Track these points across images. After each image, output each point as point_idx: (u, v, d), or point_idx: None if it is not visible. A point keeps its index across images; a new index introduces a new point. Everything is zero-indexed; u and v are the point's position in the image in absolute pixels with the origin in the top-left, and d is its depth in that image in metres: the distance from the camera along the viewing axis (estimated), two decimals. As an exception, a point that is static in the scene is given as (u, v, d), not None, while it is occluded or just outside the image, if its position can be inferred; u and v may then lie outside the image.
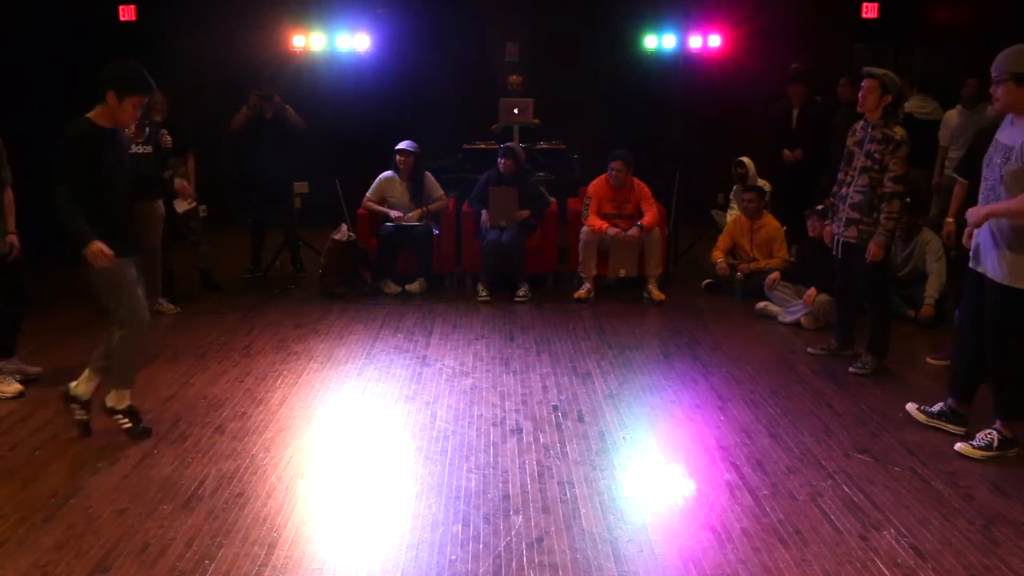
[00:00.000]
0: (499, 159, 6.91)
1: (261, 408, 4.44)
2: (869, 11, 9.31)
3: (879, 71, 4.75)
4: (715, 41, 8.75)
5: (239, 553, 3.03)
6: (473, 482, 3.59)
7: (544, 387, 4.77)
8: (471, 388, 4.75)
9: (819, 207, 5.87)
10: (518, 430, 4.15)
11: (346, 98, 9.32)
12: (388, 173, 7.11)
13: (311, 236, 7.76)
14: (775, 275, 6.34)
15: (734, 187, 8.06)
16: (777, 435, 4.11)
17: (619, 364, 5.18)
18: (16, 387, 4.59)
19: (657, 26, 8.85)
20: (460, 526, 3.23)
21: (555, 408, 4.44)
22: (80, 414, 4.03)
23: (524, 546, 3.08)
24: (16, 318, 4.80)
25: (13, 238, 4.67)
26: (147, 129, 5.75)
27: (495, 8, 9.81)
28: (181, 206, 6.66)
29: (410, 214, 6.95)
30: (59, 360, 5.09)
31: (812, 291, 5.88)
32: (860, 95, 4.77)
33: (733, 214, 7.73)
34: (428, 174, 7.14)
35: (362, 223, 7.13)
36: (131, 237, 4.02)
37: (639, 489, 3.56)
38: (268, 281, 7.27)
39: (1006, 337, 3.77)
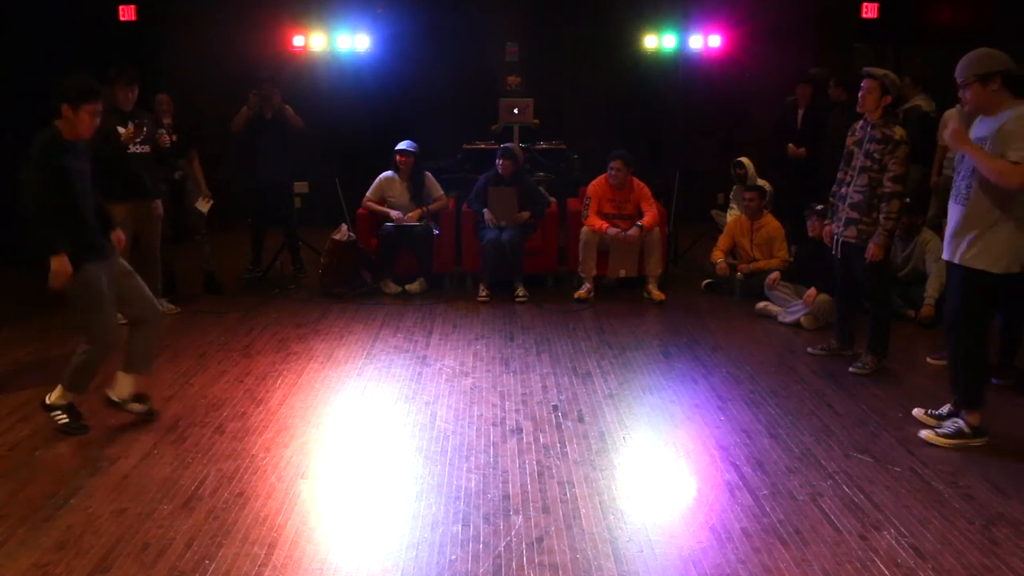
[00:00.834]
0: (497, 160, 6.91)
1: (261, 408, 4.44)
2: (869, 11, 9.32)
3: (879, 71, 4.75)
4: (715, 41, 8.75)
5: (239, 553, 3.03)
6: (473, 482, 3.59)
7: (544, 387, 4.77)
8: (471, 388, 4.75)
9: (819, 207, 5.87)
10: (518, 430, 4.15)
11: (346, 98, 9.33)
12: (388, 173, 7.11)
13: (311, 236, 7.76)
14: (775, 275, 6.34)
15: (734, 187, 8.06)
16: (777, 435, 4.11)
17: (619, 364, 5.18)
18: None
19: (657, 26, 8.84)
20: (460, 526, 3.23)
21: (555, 408, 4.45)
22: (139, 408, 4.19)
23: (524, 546, 3.08)
24: None
25: None
26: (145, 129, 5.75)
27: (495, 8, 9.81)
28: (204, 206, 6.70)
29: (410, 214, 6.95)
30: (58, 360, 5.09)
31: (812, 291, 5.88)
32: (860, 95, 4.78)
33: (733, 214, 7.73)
34: (428, 174, 7.14)
35: (362, 223, 7.13)
36: (101, 242, 4.04)
37: (639, 489, 3.56)
38: (268, 281, 7.26)
39: (963, 320, 3.91)
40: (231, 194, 7.64)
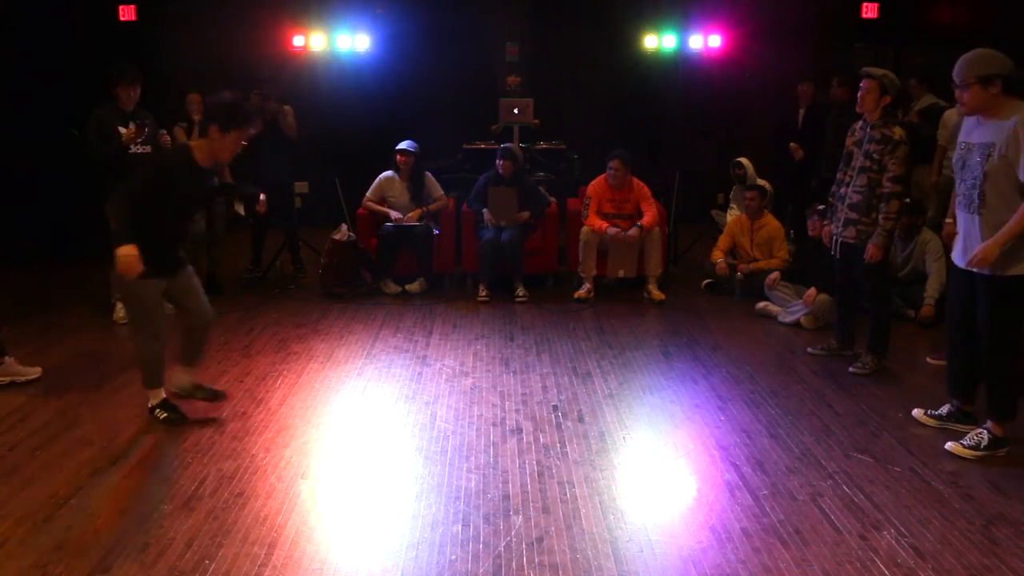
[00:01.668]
0: (498, 160, 6.91)
1: (261, 408, 4.44)
2: (869, 11, 9.32)
3: (878, 71, 4.75)
4: (715, 41, 8.75)
5: (239, 553, 3.03)
6: (473, 482, 3.59)
7: (544, 387, 4.77)
8: (471, 388, 4.75)
9: (820, 207, 5.87)
10: (518, 430, 4.15)
11: (346, 98, 9.33)
12: (388, 173, 7.11)
13: (311, 236, 7.76)
14: (775, 275, 6.34)
15: (734, 187, 8.07)
16: (777, 435, 4.11)
17: (619, 364, 5.18)
18: (34, 369, 4.71)
19: (657, 26, 8.84)
20: (460, 526, 3.23)
21: (555, 408, 4.44)
22: (204, 394, 4.29)
23: (524, 546, 3.08)
24: None
25: None
26: (146, 130, 5.75)
27: (495, 8, 9.81)
28: (241, 208, 6.69)
29: (410, 214, 6.95)
30: (58, 360, 5.10)
31: (812, 291, 5.88)
32: (859, 96, 4.78)
33: (733, 214, 7.73)
34: (428, 174, 7.14)
35: (362, 223, 7.13)
36: (171, 264, 4.11)
37: (639, 489, 3.56)
38: (268, 281, 7.26)
39: (998, 331, 3.78)
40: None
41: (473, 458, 3.83)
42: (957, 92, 3.79)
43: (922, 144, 7.13)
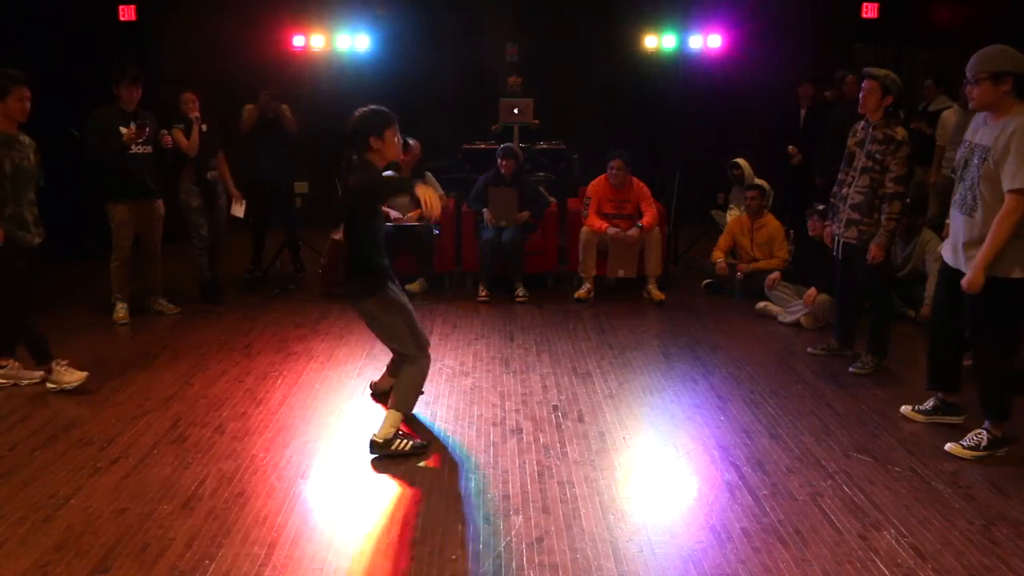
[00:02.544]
0: (498, 159, 6.91)
1: (261, 408, 4.44)
2: (869, 11, 9.31)
3: (880, 72, 4.75)
4: (715, 41, 8.75)
5: (239, 553, 3.03)
6: (473, 482, 3.59)
7: (544, 387, 4.77)
8: (471, 388, 4.75)
9: (820, 207, 5.88)
10: (518, 430, 4.15)
11: (346, 98, 9.31)
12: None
13: (311, 236, 7.76)
14: (775, 275, 6.34)
15: (733, 187, 8.07)
16: (777, 435, 4.11)
17: (619, 364, 5.18)
18: (78, 374, 4.63)
19: (657, 26, 8.84)
20: (460, 526, 3.23)
21: (555, 408, 4.44)
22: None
23: (524, 546, 3.08)
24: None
25: None
26: (147, 129, 5.76)
27: (495, 8, 9.81)
28: (238, 210, 6.71)
29: (409, 214, 6.95)
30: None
31: (812, 291, 5.88)
32: (861, 96, 4.78)
33: (732, 214, 7.74)
34: (428, 174, 7.14)
35: (362, 223, 7.11)
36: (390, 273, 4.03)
37: (639, 489, 3.56)
38: (268, 281, 7.26)
39: (987, 331, 3.78)
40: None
41: (473, 458, 3.83)
42: (968, 87, 3.77)
43: (924, 145, 7.14)
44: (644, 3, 9.37)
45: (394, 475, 3.69)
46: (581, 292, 6.74)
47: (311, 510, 3.38)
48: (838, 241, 5.00)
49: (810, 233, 6.08)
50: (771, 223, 6.90)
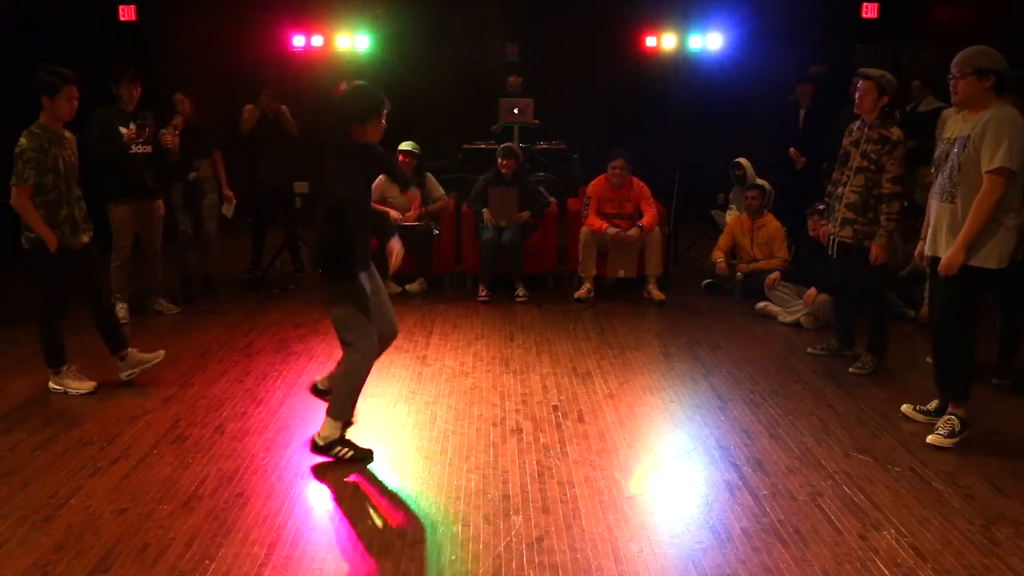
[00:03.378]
0: (499, 159, 6.91)
1: (261, 408, 4.44)
2: (869, 11, 9.31)
3: (875, 72, 4.77)
4: (715, 41, 8.75)
5: (239, 553, 3.03)
6: (473, 482, 3.59)
7: (544, 387, 4.77)
8: (471, 388, 4.75)
9: (820, 207, 5.87)
10: (518, 430, 4.15)
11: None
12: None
13: (311, 236, 7.73)
14: (775, 275, 6.34)
15: (733, 187, 8.06)
16: (777, 435, 4.11)
17: (619, 364, 5.18)
18: (87, 383, 4.62)
19: (657, 26, 8.84)
20: (460, 526, 3.23)
21: (555, 408, 4.44)
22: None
23: (524, 546, 3.08)
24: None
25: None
26: (147, 129, 5.75)
27: (495, 8, 9.81)
28: (227, 210, 6.71)
29: (409, 214, 6.95)
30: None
31: (812, 291, 5.88)
32: (856, 96, 4.79)
33: (732, 214, 7.73)
34: (428, 175, 7.14)
35: (362, 223, 7.11)
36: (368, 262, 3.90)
37: (639, 489, 3.56)
38: (268, 281, 7.26)
39: (953, 317, 3.94)
40: (235, 194, 7.63)
41: (473, 458, 3.83)
42: (952, 82, 3.91)
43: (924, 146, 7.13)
44: (644, 3, 9.37)
45: (394, 475, 3.69)
46: (581, 292, 6.74)
47: (311, 510, 3.38)
48: (833, 240, 5.01)
49: (810, 233, 6.08)
50: (771, 223, 6.90)
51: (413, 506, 3.39)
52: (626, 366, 5.15)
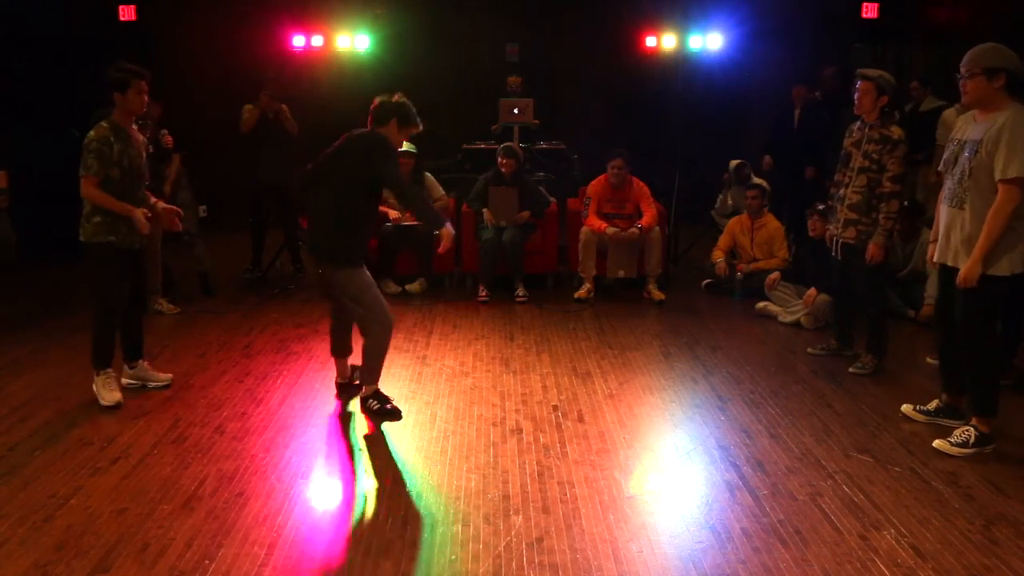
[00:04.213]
0: (499, 159, 6.92)
1: (261, 408, 4.44)
2: (869, 11, 9.30)
3: (873, 72, 4.76)
4: (715, 41, 8.75)
5: (239, 553, 3.03)
6: (473, 482, 3.59)
7: (544, 387, 4.77)
8: (471, 388, 4.75)
9: (821, 207, 5.88)
10: (518, 430, 4.15)
11: (346, 98, 9.31)
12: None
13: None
14: (775, 275, 6.34)
15: (732, 187, 8.06)
16: (777, 435, 4.11)
17: (619, 364, 5.18)
18: (116, 396, 4.43)
19: (657, 26, 8.84)
20: (460, 526, 3.23)
21: (555, 408, 4.44)
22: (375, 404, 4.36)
23: (524, 546, 3.08)
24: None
25: None
26: (148, 130, 5.74)
27: (495, 8, 9.81)
28: (202, 209, 6.69)
29: (409, 214, 6.94)
30: (58, 360, 5.10)
31: (812, 291, 5.88)
32: (856, 97, 4.79)
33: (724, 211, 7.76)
34: (428, 175, 7.14)
35: (362, 223, 7.11)
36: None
37: (639, 489, 3.56)
38: (268, 281, 7.26)
39: (975, 328, 3.83)
40: (232, 194, 7.63)
41: (473, 458, 3.83)
42: (961, 82, 3.81)
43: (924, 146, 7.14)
44: (644, 3, 9.37)
45: (394, 474, 3.69)
46: (581, 292, 6.74)
47: (311, 510, 3.38)
48: (836, 241, 5.00)
49: (810, 233, 6.09)
50: (771, 223, 6.90)
51: (413, 506, 3.39)
52: (626, 366, 5.15)
